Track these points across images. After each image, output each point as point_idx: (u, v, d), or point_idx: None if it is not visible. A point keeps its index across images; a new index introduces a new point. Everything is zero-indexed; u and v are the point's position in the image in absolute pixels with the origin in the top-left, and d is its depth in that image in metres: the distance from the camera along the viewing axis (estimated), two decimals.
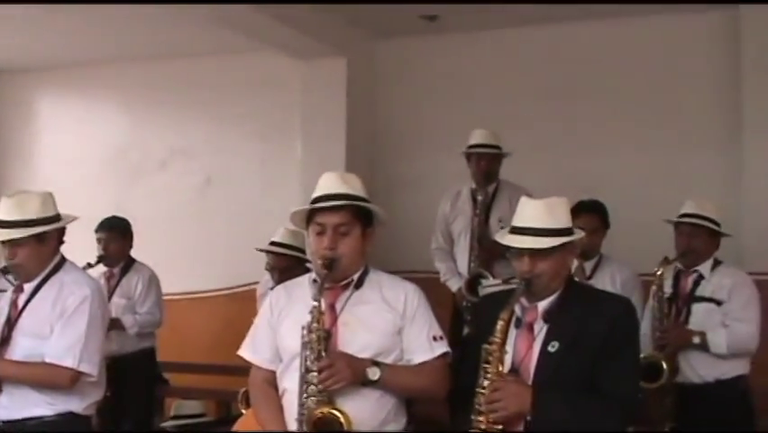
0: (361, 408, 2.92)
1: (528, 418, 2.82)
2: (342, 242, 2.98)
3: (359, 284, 3.06)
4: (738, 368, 4.36)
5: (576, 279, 4.58)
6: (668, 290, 4.48)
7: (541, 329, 2.94)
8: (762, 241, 5.56)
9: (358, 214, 3.02)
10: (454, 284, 5.40)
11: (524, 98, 6.27)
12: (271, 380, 3.12)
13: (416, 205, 6.30)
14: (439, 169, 6.22)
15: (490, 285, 4.88)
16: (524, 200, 3.06)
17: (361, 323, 3.00)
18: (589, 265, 4.80)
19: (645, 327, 4.50)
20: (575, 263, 4.70)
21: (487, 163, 5.34)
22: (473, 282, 5.22)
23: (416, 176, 6.55)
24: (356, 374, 2.90)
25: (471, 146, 5.41)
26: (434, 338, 3.05)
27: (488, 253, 5.19)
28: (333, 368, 2.85)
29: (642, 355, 4.28)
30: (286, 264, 4.59)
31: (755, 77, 5.75)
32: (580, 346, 2.87)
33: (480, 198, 5.39)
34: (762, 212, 5.62)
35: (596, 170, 5.84)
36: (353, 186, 3.07)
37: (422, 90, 6.68)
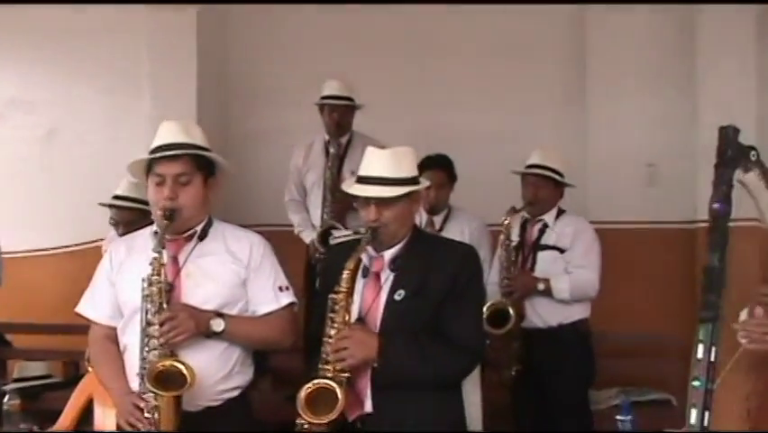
0: (205, 360, 2.87)
1: (375, 365, 2.85)
2: (183, 192, 2.91)
3: (202, 235, 3.00)
4: (579, 312, 4.53)
5: (428, 230, 4.70)
6: (515, 238, 4.59)
7: (387, 278, 2.96)
8: (605, 192, 5.76)
9: (198, 163, 2.95)
10: (307, 236, 5.36)
11: (378, 52, 6.23)
12: (113, 336, 3.03)
13: (270, 158, 6.19)
14: (293, 122, 6.12)
15: (341, 236, 4.88)
16: (370, 150, 3.04)
17: (204, 274, 2.95)
18: (438, 219, 4.85)
19: (494, 275, 4.62)
20: (425, 217, 4.79)
21: (339, 115, 5.30)
22: (325, 235, 5.20)
23: (270, 129, 6.43)
24: (199, 326, 2.85)
25: (324, 97, 5.36)
26: (280, 289, 3.03)
27: (340, 204, 5.16)
28: (174, 320, 2.79)
29: (490, 302, 4.43)
30: (129, 218, 4.45)
31: (598, 36, 5.91)
32: (426, 293, 2.91)
33: (332, 149, 5.36)
34: (605, 165, 5.81)
35: (449, 125, 5.87)
36: (194, 135, 2.99)
37: (275, 43, 6.53)
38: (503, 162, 4.89)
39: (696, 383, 2.54)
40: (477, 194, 5.06)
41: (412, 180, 2.98)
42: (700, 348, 2.56)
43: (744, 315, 2.95)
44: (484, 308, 4.38)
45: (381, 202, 2.91)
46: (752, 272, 3.18)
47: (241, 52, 6.60)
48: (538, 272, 4.52)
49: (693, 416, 2.53)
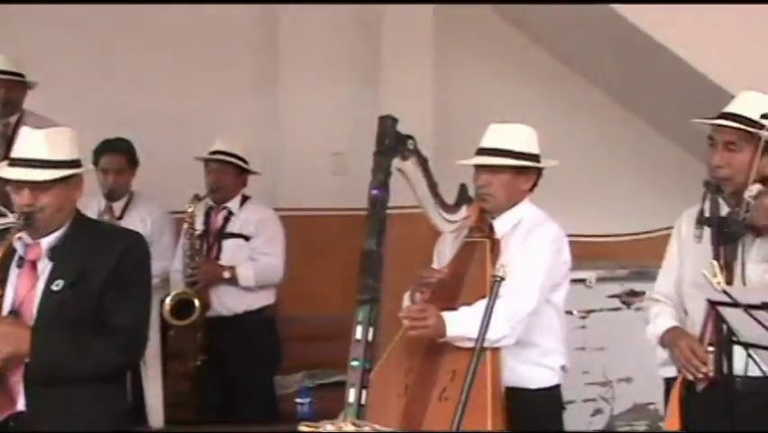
0: None
1: (26, 360, 2.68)
2: None
3: None
4: (265, 299, 4.57)
5: (106, 217, 4.51)
6: (200, 227, 4.54)
7: (45, 267, 2.79)
8: (294, 179, 5.84)
9: None
10: None
11: (60, 30, 5.86)
12: None
13: None
14: None
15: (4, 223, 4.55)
16: (25, 131, 2.85)
17: None
18: (118, 206, 4.67)
19: (178, 264, 4.54)
20: (103, 203, 4.60)
21: (6, 91, 4.87)
22: None
23: None
24: None
25: None
26: None
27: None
28: None
29: (174, 292, 4.36)
30: None
31: (289, 24, 5.97)
32: (87, 283, 2.77)
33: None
34: (292, 153, 5.89)
35: (131, 107, 5.63)
36: None
37: None
38: (189, 148, 4.80)
39: (355, 363, 2.63)
40: (161, 180, 4.91)
41: (71, 163, 2.82)
42: (359, 329, 2.65)
43: (406, 300, 3.12)
44: (168, 299, 4.34)
45: (36, 186, 2.74)
46: (412, 257, 3.37)
47: None
48: (223, 260, 4.50)
49: (352, 395, 2.61)
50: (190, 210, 4.49)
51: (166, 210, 4.81)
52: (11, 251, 2.74)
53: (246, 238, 4.51)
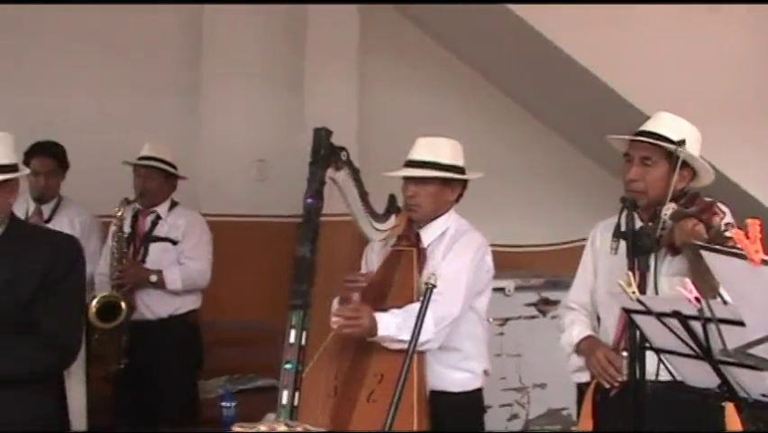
0: None
1: None
2: None
3: None
4: (190, 303, 4.61)
5: (35, 220, 4.48)
6: (127, 230, 4.54)
7: None
8: (216, 185, 5.86)
9: None
10: None
11: None
12: None
13: None
14: None
15: None
16: None
17: None
18: (47, 208, 4.66)
19: (104, 266, 4.54)
20: (32, 206, 4.57)
21: None
22: None
23: None
24: None
25: None
26: None
27: None
28: None
29: (101, 295, 4.35)
30: None
31: (214, 29, 5.98)
32: (19, 285, 2.78)
33: None
34: (215, 158, 5.91)
35: (52, 110, 5.54)
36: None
37: None
38: (114, 152, 4.81)
39: (287, 366, 2.73)
40: (86, 183, 4.88)
41: (8, 168, 2.83)
42: (292, 333, 2.75)
43: (336, 304, 3.21)
44: (94, 301, 4.33)
45: None
46: (343, 263, 3.47)
47: None
48: (150, 264, 4.52)
49: (285, 397, 2.71)
50: (119, 214, 4.49)
51: (92, 214, 4.80)
52: None
53: (174, 242, 4.54)
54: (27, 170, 3.06)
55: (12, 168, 2.85)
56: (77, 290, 2.96)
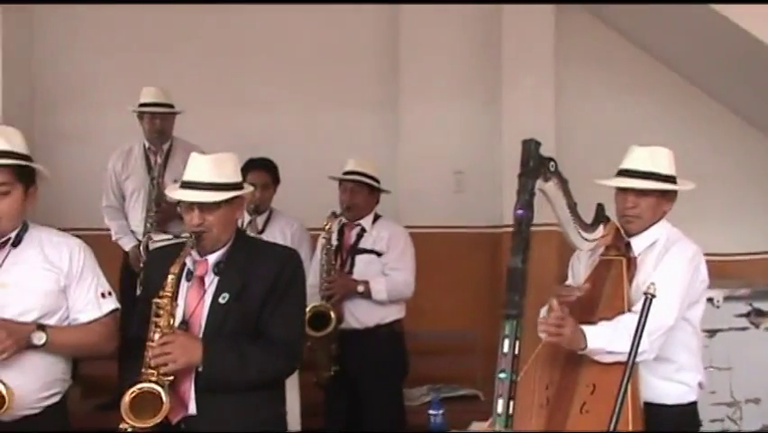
0: (25, 374, 2.80)
1: (199, 369, 2.89)
2: (2, 202, 2.82)
3: (16, 242, 2.89)
4: (395, 313, 4.71)
5: (249, 232, 4.74)
6: (335, 242, 4.70)
7: (212, 282, 3.01)
8: (415, 197, 5.99)
9: (20, 173, 2.86)
10: (127, 243, 5.28)
11: (192, 55, 6.18)
12: None
13: (82, 159, 6.02)
14: (105, 123, 6.00)
15: (160, 240, 4.83)
16: (194, 156, 3.08)
17: (19, 284, 2.85)
18: (260, 220, 4.89)
19: (314, 278, 4.72)
20: (247, 218, 4.84)
21: (160, 122, 5.24)
22: (148, 244, 5.12)
23: (81, 130, 6.23)
24: (19, 343, 2.75)
25: (143, 104, 5.29)
26: (102, 295, 2.99)
27: (165, 214, 5.11)
28: None
29: (311, 305, 4.52)
30: None
31: (412, 44, 6.13)
32: (248, 296, 2.97)
33: (154, 157, 5.29)
34: (414, 171, 6.04)
35: (265, 128, 5.89)
36: (15, 143, 2.90)
37: (86, 43, 6.33)
38: (318, 166, 5.02)
39: (502, 375, 2.75)
40: (292, 196, 5.11)
41: (235, 186, 3.05)
42: (506, 343, 2.77)
43: (543, 312, 3.22)
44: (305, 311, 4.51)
45: (205, 207, 2.97)
46: (550, 273, 3.48)
47: (50, 51, 6.35)
48: (356, 275, 4.65)
49: (500, 406, 2.74)
50: (327, 227, 4.65)
51: (303, 225, 5.00)
52: (181, 267, 2.95)
53: (378, 254, 4.66)
54: (251, 188, 3.26)
55: (239, 186, 3.06)
56: (300, 300, 3.13)
